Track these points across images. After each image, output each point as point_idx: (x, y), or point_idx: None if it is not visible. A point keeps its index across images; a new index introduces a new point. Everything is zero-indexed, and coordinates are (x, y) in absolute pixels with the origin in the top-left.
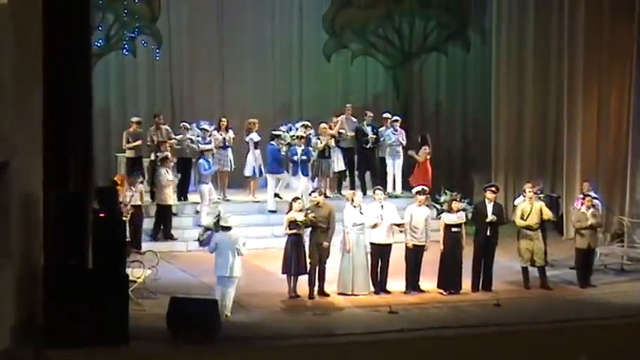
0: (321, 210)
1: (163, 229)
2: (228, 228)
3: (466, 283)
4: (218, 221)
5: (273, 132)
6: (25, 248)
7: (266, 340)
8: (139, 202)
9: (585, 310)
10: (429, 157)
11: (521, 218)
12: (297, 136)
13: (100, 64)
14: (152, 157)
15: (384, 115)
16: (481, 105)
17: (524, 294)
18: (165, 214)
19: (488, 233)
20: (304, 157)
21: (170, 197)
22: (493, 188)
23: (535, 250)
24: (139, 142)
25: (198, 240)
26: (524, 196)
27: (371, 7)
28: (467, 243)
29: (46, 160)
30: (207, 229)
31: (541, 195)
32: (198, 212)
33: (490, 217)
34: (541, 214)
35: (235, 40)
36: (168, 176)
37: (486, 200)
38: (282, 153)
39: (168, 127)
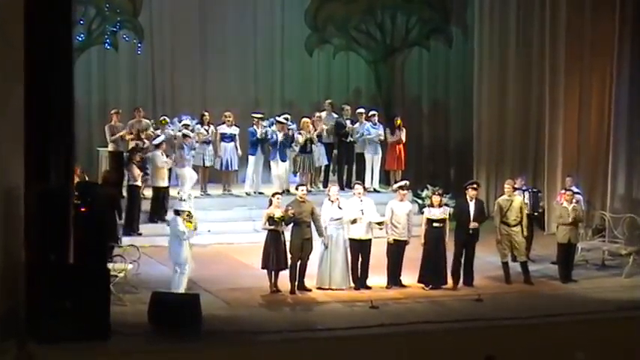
0: (304, 205)
1: (158, 211)
2: (177, 212)
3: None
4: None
5: (252, 115)
6: (7, 244)
7: (247, 335)
8: (137, 183)
9: (567, 306)
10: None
11: (500, 214)
12: (278, 122)
13: (81, 59)
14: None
15: (358, 110)
16: (463, 100)
17: (505, 289)
18: (159, 197)
19: (470, 231)
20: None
21: (164, 180)
22: (475, 185)
23: (515, 246)
24: (123, 132)
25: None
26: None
27: (353, 2)
28: (449, 238)
29: (27, 155)
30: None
31: (524, 190)
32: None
33: (472, 224)
34: (520, 210)
35: (217, 35)
36: (163, 158)
37: (467, 198)
38: (258, 136)
39: (148, 121)
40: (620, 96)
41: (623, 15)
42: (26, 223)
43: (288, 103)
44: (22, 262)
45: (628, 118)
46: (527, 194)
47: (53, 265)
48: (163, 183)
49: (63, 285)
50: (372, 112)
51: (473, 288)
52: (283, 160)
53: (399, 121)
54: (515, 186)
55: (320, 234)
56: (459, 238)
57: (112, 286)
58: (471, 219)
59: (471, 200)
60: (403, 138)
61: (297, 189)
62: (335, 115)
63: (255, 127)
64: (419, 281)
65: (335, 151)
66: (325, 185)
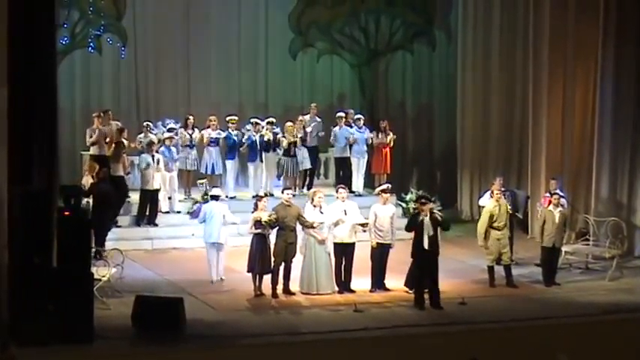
0: (290, 209)
1: (148, 214)
2: (216, 197)
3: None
4: (206, 194)
5: (227, 119)
6: None
7: (231, 339)
8: (121, 174)
9: (550, 309)
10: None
11: (490, 220)
12: (252, 123)
13: (65, 62)
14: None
15: (338, 114)
16: (447, 103)
17: (489, 292)
18: (149, 199)
19: (426, 247)
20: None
21: (149, 182)
22: (423, 200)
23: (502, 250)
24: (95, 138)
25: (188, 212)
26: (491, 196)
27: (337, 6)
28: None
29: (11, 158)
30: (195, 201)
31: (505, 192)
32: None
33: (425, 245)
34: (507, 213)
35: (201, 39)
36: (151, 161)
37: (421, 213)
38: (243, 140)
39: (118, 123)
40: (604, 98)
41: (607, 18)
42: (10, 225)
43: (271, 107)
44: (5, 265)
45: (612, 120)
46: (506, 195)
47: (37, 268)
48: (149, 186)
49: (46, 288)
50: (357, 116)
51: (441, 311)
52: (261, 161)
53: (384, 125)
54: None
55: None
56: (418, 258)
57: (95, 290)
58: (425, 235)
59: (425, 216)
60: (389, 141)
61: (282, 193)
62: (318, 119)
63: (230, 130)
64: (405, 284)
65: (321, 155)
66: (310, 189)
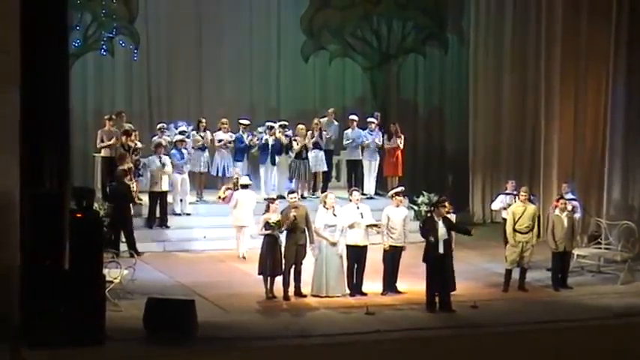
0: (298, 211)
1: (159, 216)
2: (246, 186)
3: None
4: (237, 182)
5: (239, 122)
6: (1, 248)
7: (242, 341)
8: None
9: (561, 312)
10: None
11: (513, 221)
12: (268, 127)
13: (77, 64)
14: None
15: (350, 117)
16: (459, 106)
17: (501, 296)
18: (157, 201)
19: (440, 251)
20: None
21: (162, 184)
22: (445, 204)
23: (524, 253)
24: (113, 142)
25: (219, 197)
26: (517, 199)
27: (349, 9)
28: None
29: (23, 159)
30: (228, 187)
31: (515, 195)
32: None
33: (441, 249)
34: (533, 218)
35: (213, 41)
36: (158, 163)
37: (435, 217)
38: (246, 142)
39: (131, 125)
40: (615, 102)
41: (619, 22)
42: (22, 227)
43: (283, 109)
44: (17, 266)
45: (624, 124)
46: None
47: (48, 270)
48: (157, 188)
49: (57, 290)
50: (369, 119)
51: (452, 314)
52: (273, 164)
53: (395, 128)
54: (507, 191)
55: (311, 241)
56: (432, 261)
57: (107, 292)
58: (441, 239)
59: (438, 219)
60: (400, 145)
61: (287, 196)
62: (336, 123)
63: (241, 133)
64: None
65: (336, 158)
66: (324, 192)
